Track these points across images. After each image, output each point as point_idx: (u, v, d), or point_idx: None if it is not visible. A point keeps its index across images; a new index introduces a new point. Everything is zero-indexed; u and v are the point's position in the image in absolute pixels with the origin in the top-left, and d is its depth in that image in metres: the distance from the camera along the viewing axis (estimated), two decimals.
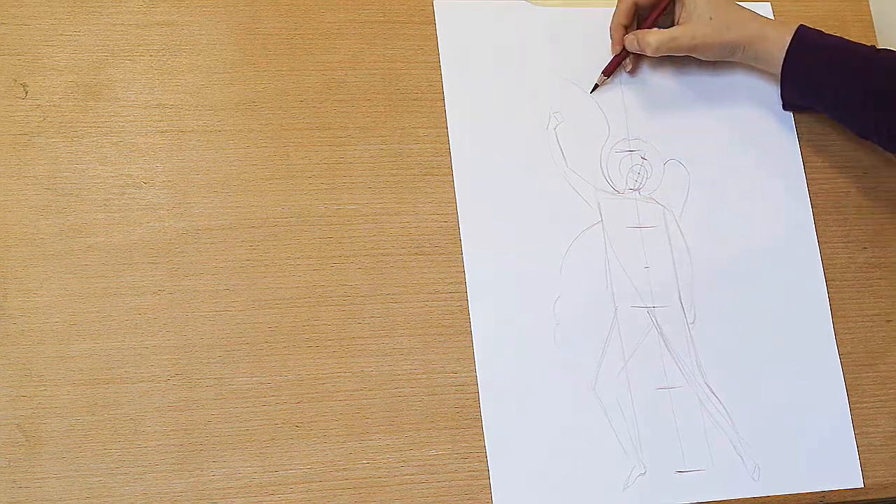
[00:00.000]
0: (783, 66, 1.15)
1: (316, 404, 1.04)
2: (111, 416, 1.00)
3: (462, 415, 1.07)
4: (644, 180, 1.17)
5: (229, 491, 1.01)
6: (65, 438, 0.99)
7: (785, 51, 1.14)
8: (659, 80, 1.21)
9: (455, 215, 1.12)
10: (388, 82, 1.15)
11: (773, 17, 1.26)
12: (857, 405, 1.14)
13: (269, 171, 1.10)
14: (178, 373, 1.03)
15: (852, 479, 1.12)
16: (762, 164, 1.20)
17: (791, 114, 1.22)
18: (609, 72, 1.19)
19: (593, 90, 1.19)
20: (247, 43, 1.13)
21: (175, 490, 1.00)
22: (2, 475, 0.97)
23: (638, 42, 1.17)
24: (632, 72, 1.20)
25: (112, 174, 1.07)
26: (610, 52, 1.20)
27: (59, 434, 0.99)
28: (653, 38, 1.16)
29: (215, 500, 1.00)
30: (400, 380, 1.06)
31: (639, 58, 1.20)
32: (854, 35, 1.25)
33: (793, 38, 1.14)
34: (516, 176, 1.14)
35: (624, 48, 1.19)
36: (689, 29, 1.16)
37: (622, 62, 1.20)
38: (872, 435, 1.14)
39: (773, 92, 1.22)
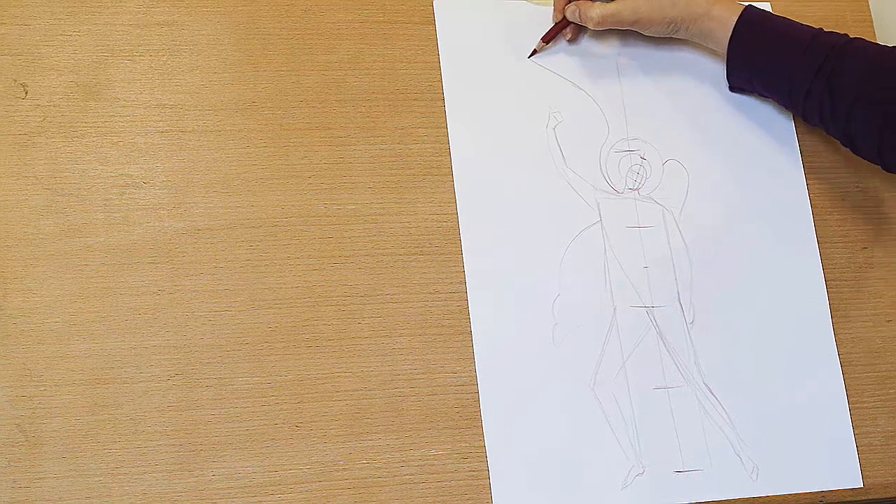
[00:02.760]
0: (728, 47, 1.14)
1: (316, 404, 1.04)
2: (111, 416, 1.01)
3: (462, 415, 1.07)
4: (643, 180, 1.17)
5: (229, 491, 1.01)
6: (65, 438, 0.99)
7: (731, 31, 1.13)
8: (659, 80, 1.21)
9: (455, 215, 1.12)
10: (388, 82, 1.15)
11: None
12: (857, 405, 1.14)
13: (269, 171, 1.10)
14: (178, 373, 1.03)
15: (852, 478, 1.12)
16: (761, 165, 1.20)
17: (791, 114, 1.22)
18: (548, 39, 1.19)
19: (531, 55, 1.19)
20: (247, 43, 1.13)
21: (175, 490, 1.00)
22: (2, 475, 0.97)
23: (580, 14, 1.17)
24: (571, 40, 1.20)
25: (112, 174, 1.07)
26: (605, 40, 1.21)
27: (59, 434, 0.99)
28: (595, 13, 1.16)
29: (215, 500, 1.00)
30: (400, 380, 1.06)
31: (580, 28, 1.20)
32: (854, 35, 1.25)
33: (738, 19, 1.13)
34: (516, 176, 1.14)
35: (565, 17, 1.19)
36: (632, 3, 1.15)
37: (562, 31, 1.19)
38: (872, 435, 1.14)
39: None
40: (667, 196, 1.17)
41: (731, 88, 1.20)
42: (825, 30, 1.13)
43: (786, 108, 1.18)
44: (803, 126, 1.22)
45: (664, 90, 1.21)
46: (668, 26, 1.16)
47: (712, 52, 1.21)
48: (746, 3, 1.16)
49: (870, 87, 1.07)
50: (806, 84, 1.11)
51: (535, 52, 1.19)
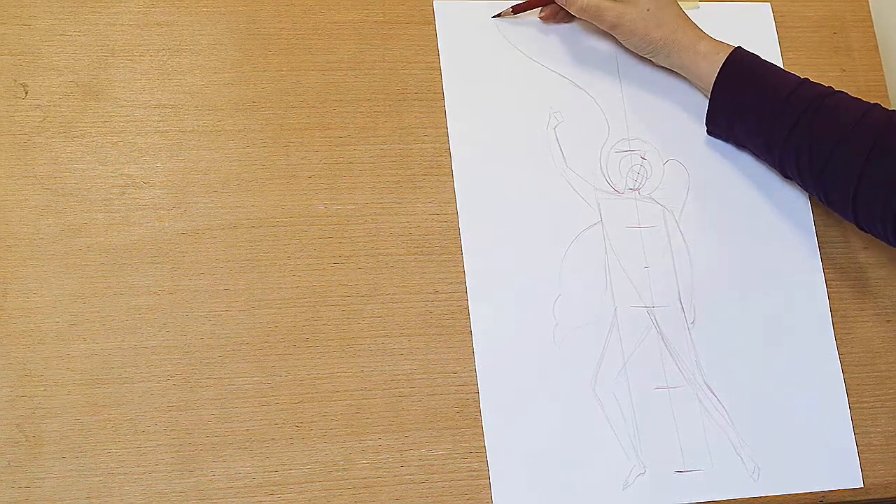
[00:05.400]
0: (714, 84, 1.13)
1: (316, 404, 1.04)
2: (111, 416, 1.01)
3: (462, 415, 1.07)
4: (644, 180, 1.17)
5: (229, 491, 1.01)
6: (65, 438, 0.99)
7: (718, 68, 1.13)
8: (659, 80, 1.21)
9: (455, 215, 1.12)
10: (388, 82, 1.15)
11: (772, 18, 1.25)
12: (857, 405, 1.15)
13: (269, 171, 1.10)
14: (178, 373, 1.03)
15: (852, 478, 1.12)
16: (762, 164, 1.20)
17: None
18: (518, 10, 1.18)
19: (495, 16, 1.18)
20: (247, 43, 1.13)
21: (175, 490, 1.00)
22: (2, 475, 0.97)
23: None
24: (544, 19, 1.19)
25: (112, 174, 1.07)
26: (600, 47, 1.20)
27: (59, 434, 0.99)
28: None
29: (215, 500, 1.00)
30: (400, 380, 1.06)
31: (560, 12, 1.19)
32: (854, 35, 1.25)
33: (728, 58, 1.12)
34: (516, 176, 1.14)
35: None
36: (621, 8, 1.14)
37: (538, 7, 1.18)
38: (872, 435, 1.14)
39: None
40: (667, 196, 1.17)
41: (709, 132, 1.18)
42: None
43: (761, 153, 1.15)
44: None
45: (664, 90, 1.21)
46: (648, 45, 1.16)
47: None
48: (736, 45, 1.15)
49: (857, 133, 1.06)
50: (792, 119, 1.09)
51: (499, 14, 1.18)
